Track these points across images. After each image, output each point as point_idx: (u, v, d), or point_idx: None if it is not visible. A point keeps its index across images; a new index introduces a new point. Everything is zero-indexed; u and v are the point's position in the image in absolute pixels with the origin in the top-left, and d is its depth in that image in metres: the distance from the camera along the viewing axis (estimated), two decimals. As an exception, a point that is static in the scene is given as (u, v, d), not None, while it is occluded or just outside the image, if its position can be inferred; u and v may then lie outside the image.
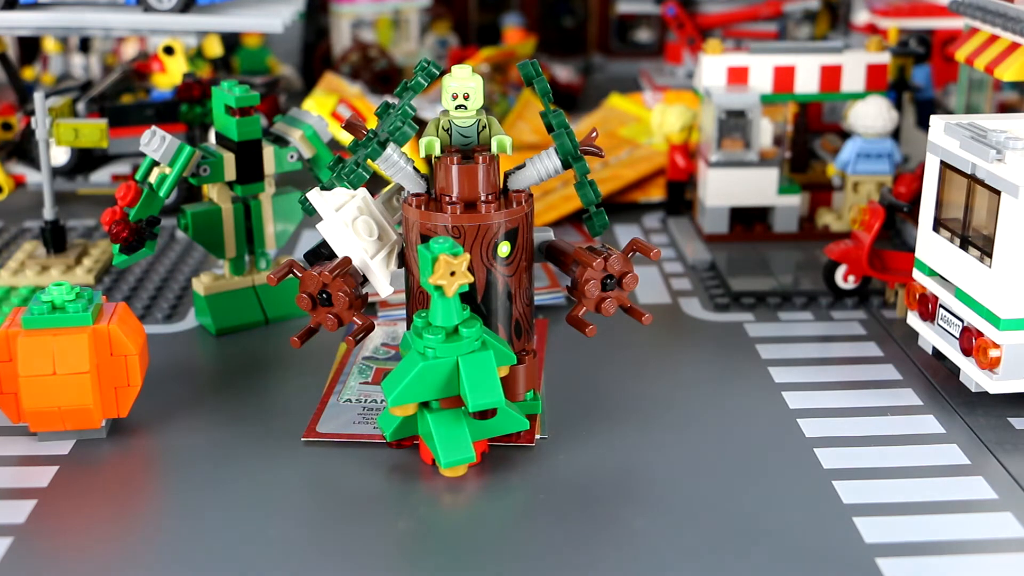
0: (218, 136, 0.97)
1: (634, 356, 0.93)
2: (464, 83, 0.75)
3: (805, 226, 1.21)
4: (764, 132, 1.22)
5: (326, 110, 1.40)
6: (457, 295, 0.70)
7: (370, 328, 0.76)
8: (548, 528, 0.69)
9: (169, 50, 1.30)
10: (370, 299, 0.83)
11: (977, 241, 0.81)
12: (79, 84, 1.34)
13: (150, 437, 0.81)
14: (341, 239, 0.76)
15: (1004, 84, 1.33)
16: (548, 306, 1.03)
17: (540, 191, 1.26)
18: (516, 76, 1.73)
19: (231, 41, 1.88)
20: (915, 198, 0.98)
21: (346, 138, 1.28)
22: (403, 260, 0.78)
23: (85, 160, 1.32)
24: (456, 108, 0.75)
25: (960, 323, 0.84)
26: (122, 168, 1.34)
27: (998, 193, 0.78)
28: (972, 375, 0.83)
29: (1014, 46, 1.00)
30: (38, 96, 1.03)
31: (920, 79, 1.41)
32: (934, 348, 0.89)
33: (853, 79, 1.19)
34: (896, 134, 1.27)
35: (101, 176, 1.34)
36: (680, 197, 1.28)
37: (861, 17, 1.67)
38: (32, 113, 1.16)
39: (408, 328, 0.77)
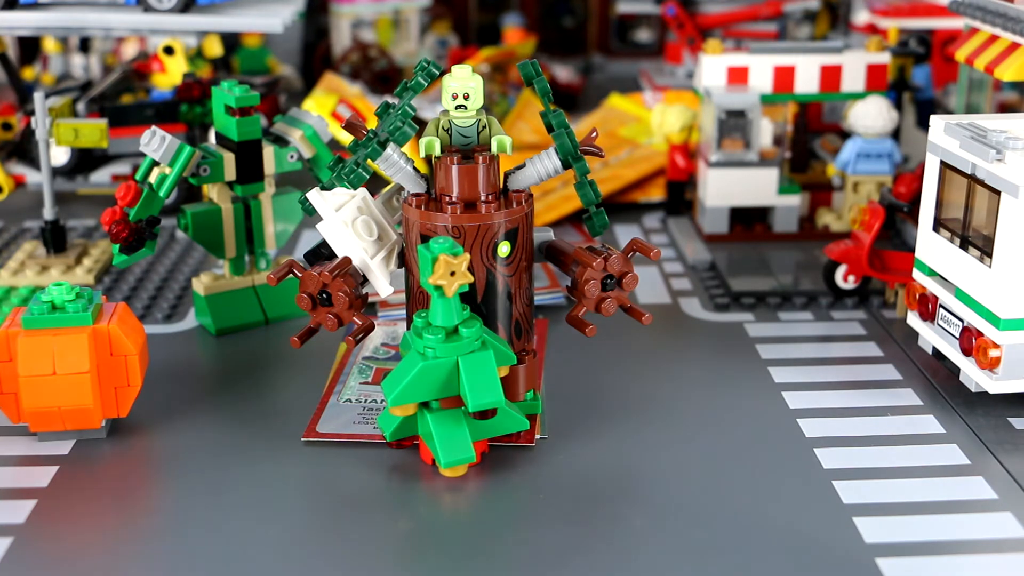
0: (218, 136, 0.97)
1: (634, 356, 0.93)
2: (464, 83, 0.75)
3: (805, 226, 1.21)
4: (764, 132, 1.22)
5: (326, 110, 1.40)
6: (457, 295, 0.70)
7: (370, 328, 0.76)
8: (548, 528, 0.69)
9: (169, 50, 1.30)
10: (370, 299, 0.83)
11: (977, 241, 0.81)
12: (79, 84, 1.34)
13: (150, 437, 0.81)
14: (341, 239, 0.76)
15: (1004, 84, 1.33)
16: (548, 306, 1.03)
17: (540, 191, 1.26)
18: (516, 76, 1.73)
19: (231, 41, 1.88)
20: (915, 198, 0.98)
21: (346, 138, 1.28)
22: (403, 260, 0.78)
23: (85, 160, 1.32)
24: (456, 108, 0.75)
25: (960, 323, 0.84)
26: (122, 168, 1.34)
27: (998, 193, 0.78)
28: (972, 375, 0.83)
29: (1014, 46, 1.00)
30: (38, 96, 1.03)
31: (920, 79, 1.41)
32: (934, 348, 0.89)
33: (853, 79, 1.19)
34: (896, 134, 1.27)
35: (101, 176, 1.34)
36: (680, 197, 1.28)
37: (861, 17, 1.67)
38: (32, 113, 1.16)
39: (408, 328, 0.77)
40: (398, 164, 0.76)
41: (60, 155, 1.30)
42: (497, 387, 0.71)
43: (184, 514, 0.71)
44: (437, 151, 0.75)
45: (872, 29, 1.57)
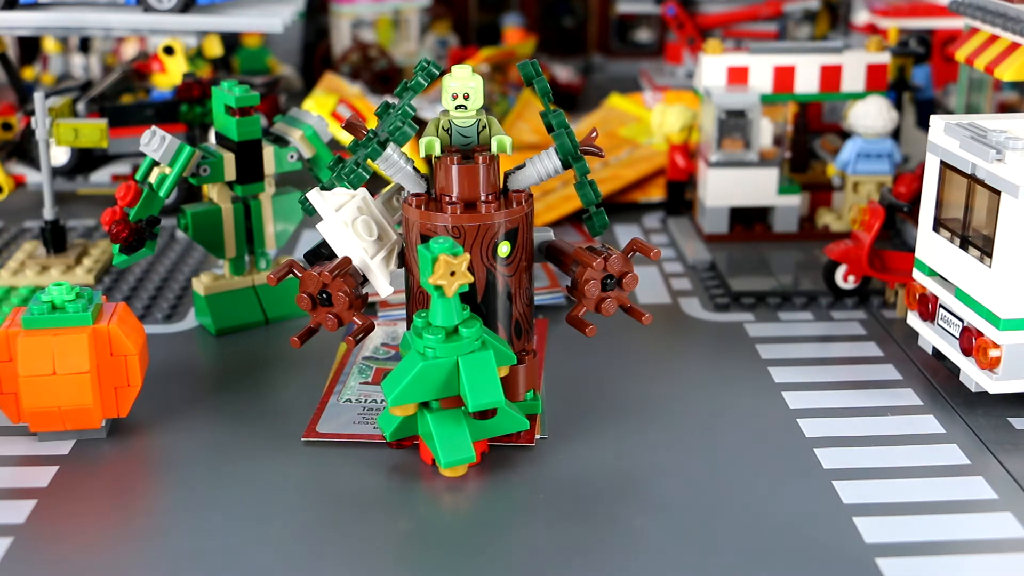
0: (218, 136, 0.97)
1: (634, 356, 0.93)
2: (464, 83, 0.75)
3: (805, 226, 1.21)
4: (764, 132, 1.22)
5: (326, 110, 1.40)
6: (457, 295, 0.70)
7: (370, 328, 0.76)
8: (548, 528, 0.69)
9: (169, 50, 1.30)
10: (370, 299, 0.83)
11: (977, 241, 0.81)
12: (79, 84, 1.34)
13: (150, 437, 0.81)
14: (341, 239, 0.76)
15: (1004, 84, 1.33)
16: (548, 306, 1.03)
17: (540, 191, 1.26)
18: (516, 76, 1.73)
19: (231, 41, 1.88)
20: (915, 198, 0.98)
21: (346, 138, 1.28)
22: (403, 260, 0.78)
23: (85, 160, 1.32)
24: (456, 108, 0.75)
25: (960, 323, 0.84)
26: (122, 168, 1.34)
27: (998, 193, 0.78)
28: (972, 375, 0.83)
29: (1014, 46, 1.00)
30: (38, 96, 1.03)
31: (920, 79, 1.41)
32: (934, 348, 0.89)
33: (853, 79, 1.19)
34: (896, 134, 1.27)
35: (101, 176, 1.34)
36: (680, 197, 1.28)
37: (861, 17, 1.67)
38: (32, 113, 1.15)
39: (408, 328, 0.77)
40: (398, 164, 0.76)
41: (60, 155, 1.30)
42: (497, 387, 0.71)
43: (184, 514, 0.71)
44: (437, 151, 0.75)
45: (872, 29, 1.57)
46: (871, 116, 1.15)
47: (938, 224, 0.86)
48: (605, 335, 0.94)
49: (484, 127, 0.76)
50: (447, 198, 0.75)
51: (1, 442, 0.80)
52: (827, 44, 1.21)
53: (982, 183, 0.79)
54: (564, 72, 1.93)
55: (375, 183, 0.91)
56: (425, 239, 0.74)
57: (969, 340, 0.82)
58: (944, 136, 0.84)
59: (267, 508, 0.72)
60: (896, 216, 1.02)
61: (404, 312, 0.82)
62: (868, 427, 0.82)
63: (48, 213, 1.07)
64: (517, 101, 1.63)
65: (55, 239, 1.08)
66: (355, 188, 0.78)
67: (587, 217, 0.80)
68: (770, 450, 0.78)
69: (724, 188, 1.18)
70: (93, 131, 1.05)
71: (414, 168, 0.77)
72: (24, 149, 1.25)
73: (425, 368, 0.71)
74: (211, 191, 0.96)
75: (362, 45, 1.87)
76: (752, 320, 1.01)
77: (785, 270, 1.11)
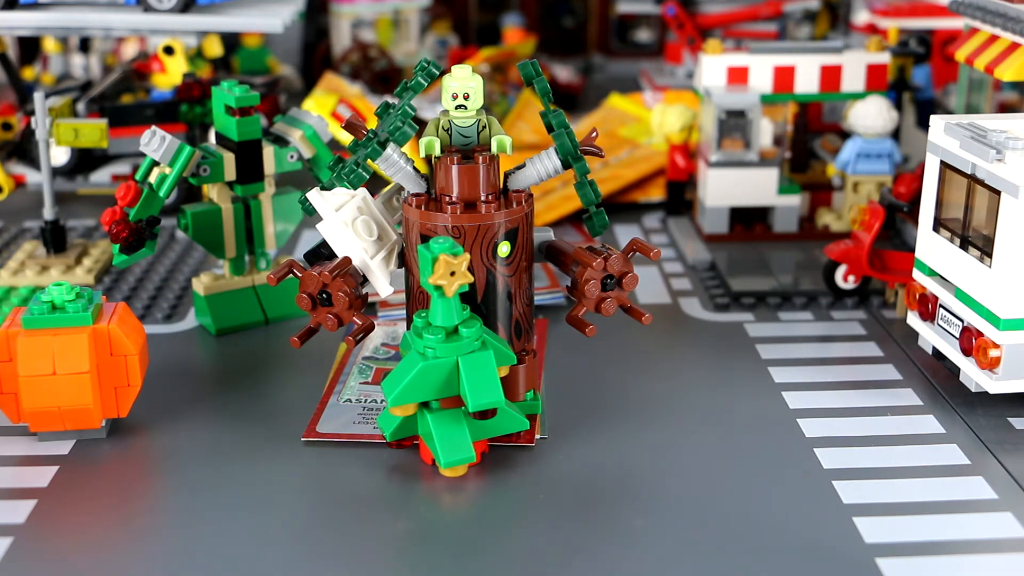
0: (218, 136, 0.97)
1: (634, 356, 0.93)
2: (464, 83, 0.75)
3: (805, 226, 1.21)
4: (764, 132, 1.22)
5: (326, 110, 1.40)
6: (457, 295, 0.70)
7: (370, 328, 0.76)
8: (548, 528, 0.69)
9: (169, 50, 1.30)
10: (370, 299, 0.83)
11: (977, 241, 0.81)
12: (79, 84, 1.34)
13: (150, 437, 0.81)
14: (341, 239, 0.76)
15: (1004, 84, 1.33)
16: (548, 306, 1.03)
17: (540, 191, 1.26)
18: (516, 76, 1.73)
19: (231, 41, 1.88)
20: (915, 198, 0.98)
21: (346, 138, 1.28)
22: (403, 260, 0.78)
23: (85, 160, 1.32)
24: (456, 108, 0.75)
25: (960, 323, 0.84)
26: (122, 168, 1.34)
27: (998, 193, 0.78)
28: (972, 375, 0.83)
29: (1014, 46, 1.00)
30: (38, 96, 1.03)
31: (920, 79, 1.41)
32: (934, 348, 0.89)
33: (853, 79, 1.19)
34: (896, 134, 1.27)
35: (101, 176, 1.34)
36: (680, 197, 1.28)
37: (861, 17, 1.67)
38: (32, 113, 1.16)
39: (408, 328, 0.77)
40: (398, 164, 0.76)
41: (60, 155, 1.30)
42: (497, 387, 0.71)
43: (184, 514, 0.71)
44: (437, 151, 0.75)
45: (872, 29, 1.57)
46: (871, 116, 1.15)
47: (938, 224, 0.86)
48: (605, 335, 0.94)
49: (484, 127, 0.76)
50: (447, 198, 0.75)
51: (1, 442, 0.80)
52: (827, 44, 1.21)
53: (982, 183, 0.79)
54: (564, 72, 1.93)
55: (375, 183, 0.91)
56: (425, 239, 0.74)
57: (969, 340, 0.82)
58: (944, 136, 0.84)
59: (267, 508, 0.72)
60: (896, 216, 1.02)
61: (404, 312, 0.82)
62: (868, 427, 0.82)
63: (48, 213, 1.07)
64: (517, 101, 1.63)
65: (55, 239, 1.08)
66: (355, 188, 0.78)
67: (587, 217, 0.80)
68: (770, 450, 0.78)
69: (724, 188, 1.18)
70: (93, 131, 1.05)
71: (414, 168, 0.77)
72: (24, 149, 1.25)
73: (425, 368, 0.71)
74: (211, 191, 0.96)
75: (362, 45, 1.87)
76: (752, 320, 1.01)
77: (785, 270, 1.11)
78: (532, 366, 0.79)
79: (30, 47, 2.00)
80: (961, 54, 1.07)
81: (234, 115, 0.94)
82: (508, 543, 0.68)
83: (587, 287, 0.75)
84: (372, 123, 0.81)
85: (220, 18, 1.22)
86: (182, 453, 0.78)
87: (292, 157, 0.98)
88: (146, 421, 0.82)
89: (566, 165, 0.77)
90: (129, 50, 1.77)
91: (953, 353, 0.85)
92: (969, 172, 0.81)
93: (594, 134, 0.78)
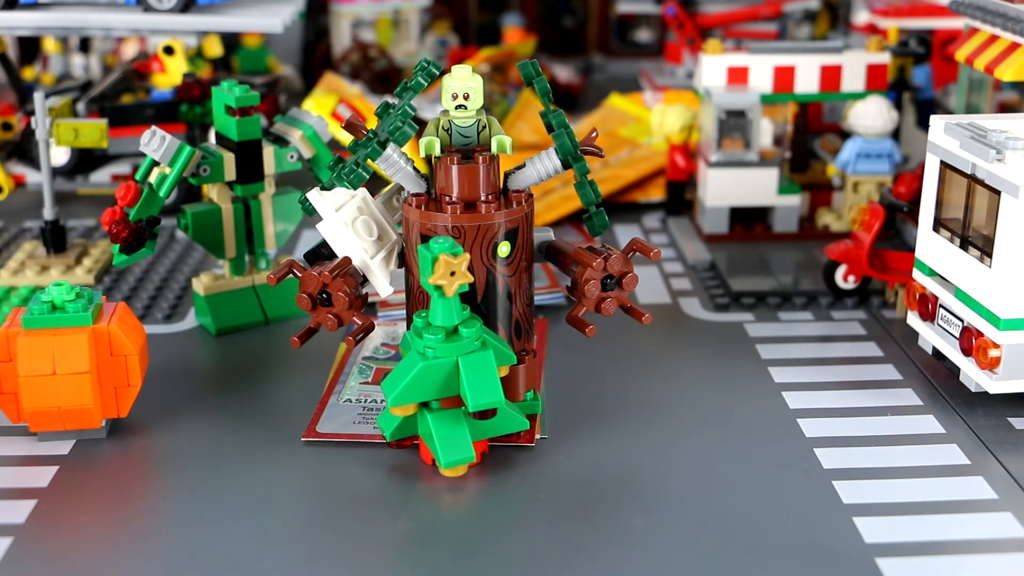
0: (218, 136, 0.97)
1: (634, 356, 0.93)
2: (464, 83, 0.75)
3: (805, 226, 1.21)
4: (764, 132, 1.22)
5: (326, 110, 1.40)
6: (457, 295, 0.70)
7: (370, 328, 0.76)
8: (548, 528, 0.69)
9: (169, 50, 1.30)
10: (370, 299, 0.83)
11: (977, 241, 0.81)
12: (79, 84, 1.34)
13: (150, 437, 0.81)
14: (341, 239, 0.76)
15: (1004, 84, 1.33)
16: (548, 306, 1.03)
17: (540, 191, 1.26)
18: (516, 76, 1.73)
19: (231, 41, 1.88)
20: (915, 198, 0.98)
21: (346, 138, 1.28)
22: (403, 260, 0.78)
23: (85, 160, 1.32)
24: (456, 108, 0.75)
25: (960, 323, 0.84)
26: (122, 168, 1.34)
27: (998, 193, 0.78)
28: (972, 375, 0.83)
29: (1014, 46, 1.00)
30: (38, 96, 1.03)
31: (920, 79, 1.41)
32: (934, 348, 0.89)
33: (853, 79, 1.19)
34: (896, 134, 1.27)
35: (101, 176, 1.34)
36: (680, 197, 1.28)
37: (861, 17, 1.67)
38: (32, 113, 1.16)
39: (408, 328, 0.77)
40: (398, 164, 0.76)
41: (60, 155, 1.30)
42: (497, 387, 0.71)
43: (184, 514, 0.71)
44: (437, 151, 0.75)
45: (872, 29, 1.57)
46: (871, 116, 1.15)
47: (938, 224, 0.86)
48: (605, 335, 0.94)
49: (484, 127, 0.76)
50: (447, 198, 0.75)
51: (1, 442, 0.80)
52: (827, 44, 1.21)
53: (982, 183, 0.79)
54: (564, 72, 1.93)
55: (375, 183, 0.91)
56: (425, 239, 0.74)
57: (969, 340, 0.82)
58: (944, 136, 0.84)
59: (267, 508, 0.72)
60: (896, 216, 1.02)
61: (404, 312, 0.82)
62: (868, 427, 0.82)
63: (48, 213, 1.07)
64: (517, 101, 1.63)
65: (55, 239, 1.08)
66: (355, 188, 0.78)
67: (587, 217, 0.80)
68: (770, 450, 0.78)
69: (724, 188, 1.18)
70: (93, 131, 1.05)
71: (414, 168, 0.77)
72: (24, 149, 1.25)
73: (425, 368, 0.71)
74: (211, 191, 0.96)
75: (362, 45, 1.87)
76: (752, 320, 1.01)
77: (785, 270, 1.11)
78: (532, 366, 0.79)
79: (30, 47, 2.00)
80: (961, 54, 1.07)
81: (234, 115, 0.94)
82: (508, 543, 0.68)
83: (587, 287, 0.75)
84: (372, 123, 0.81)
85: (220, 18, 1.22)
86: (182, 453, 0.78)
87: (292, 157, 0.98)
88: (146, 421, 0.82)
89: (566, 165, 0.77)
90: (129, 50, 1.77)
91: (953, 353, 0.85)
92: (969, 172, 0.81)
93: (594, 134, 0.78)
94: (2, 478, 0.75)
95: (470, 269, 0.70)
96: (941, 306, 0.87)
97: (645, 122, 1.48)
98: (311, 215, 0.81)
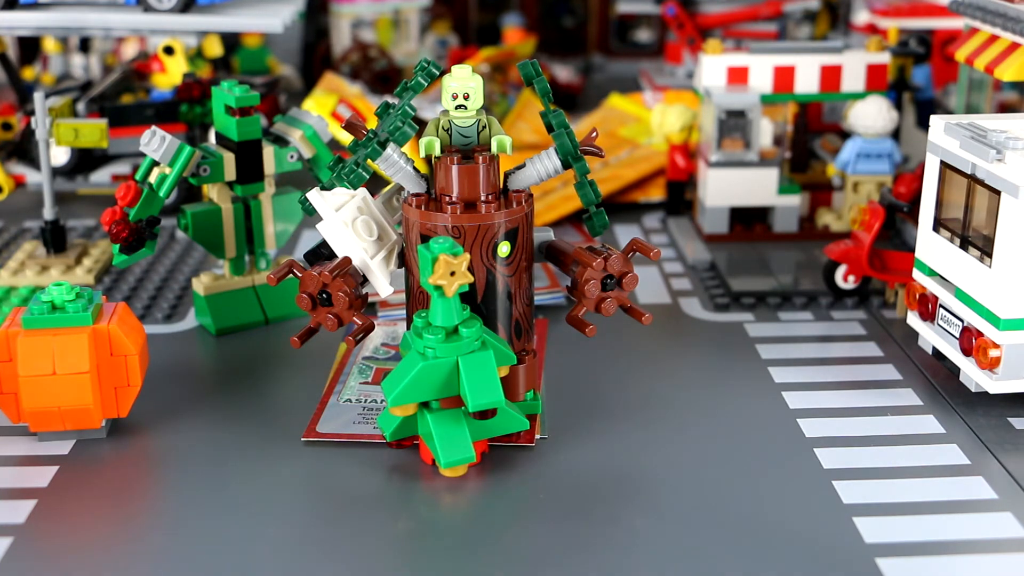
0: (218, 136, 0.97)
1: (634, 356, 0.93)
2: (464, 83, 0.75)
3: (805, 226, 1.21)
4: (764, 132, 1.22)
5: (326, 110, 1.40)
6: (457, 295, 0.70)
7: (370, 328, 0.76)
8: (548, 528, 0.69)
9: (169, 50, 1.30)
10: (370, 299, 0.83)
11: (977, 241, 0.81)
12: (79, 84, 1.34)
13: (150, 437, 0.81)
14: (341, 239, 0.76)
15: (1004, 84, 1.33)
16: (548, 306, 1.03)
17: (540, 191, 1.26)
18: (516, 76, 1.73)
19: (231, 41, 1.88)
20: (915, 198, 0.98)
21: (346, 138, 1.28)
22: (403, 260, 0.78)
23: (85, 160, 1.32)
24: (456, 108, 0.75)
25: (960, 323, 0.84)
26: (122, 168, 1.34)
27: (998, 193, 0.78)
28: (972, 375, 0.83)
29: (1014, 46, 1.00)
30: (38, 96, 1.03)
31: (920, 79, 1.41)
32: (934, 348, 0.89)
33: (853, 79, 1.19)
34: (896, 134, 1.27)
35: (101, 176, 1.34)
36: (680, 197, 1.28)
37: (861, 17, 1.67)
38: (32, 113, 1.16)
39: (408, 328, 0.77)
40: (398, 164, 0.76)
41: (60, 155, 1.30)
42: (497, 387, 0.71)
43: (184, 514, 0.71)
44: (437, 151, 0.75)
45: (872, 29, 1.57)
46: (871, 116, 1.15)
47: (938, 224, 0.86)
48: (605, 335, 0.94)
49: (484, 127, 0.76)
50: (447, 198, 0.75)
51: (1, 442, 0.80)
52: (827, 44, 1.21)
53: (982, 183, 0.79)
54: (564, 72, 1.93)
55: (375, 183, 0.91)
56: (425, 239, 0.74)
57: (969, 340, 0.82)
58: (944, 136, 0.84)
59: (267, 508, 0.72)
60: (896, 216, 1.02)
61: (404, 312, 0.82)
62: (868, 427, 0.82)
63: (48, 213, 1.07)
64: (517, 101, 1.63)
65: (55, 239, 1.08)
66: (355, 188, 0.78)
67: (587, 217, 0.80)
68: (770, 450, 0.78)
69: (724, 188, 1.18)
70: (93, 131, 1.05)
71: (414, 168, 0.77)
72: (24, 149, 1.25)
73: (425, 368, 0.71)
74: (211, 191, 0.96)
75: (362, 45, 1.87)
76: (752, 320, 1.01)
77: (785, 270, 1.11)
78: (532, 366, 0.79)
79: (30, 47, 2.00)
80: (961, 54, 1.07)
81: (234, 115, 0.94)
82: (508, 543, 0.68)
83: (587, 287, 0.75)
84: (372, 123, 0.81)
85: (220, 18, 1.22)
86: (182, 453, 0.78)
87: (292, 157, 0.98)
88: (146, 421, 0.82)
89: (566, 165, 0.77)
90: (129, 50, 1.77)
91: (953, 353, 0.85)
92: (969, 172, 0.81)
93: (594, 134, 0.78)
94: (2, 478, 0.75)
95: (470, 269, 0.70)
96: (941, 306, 0.87)
97: (645, 122, 1.48)
98: (311, 215, 0.81)
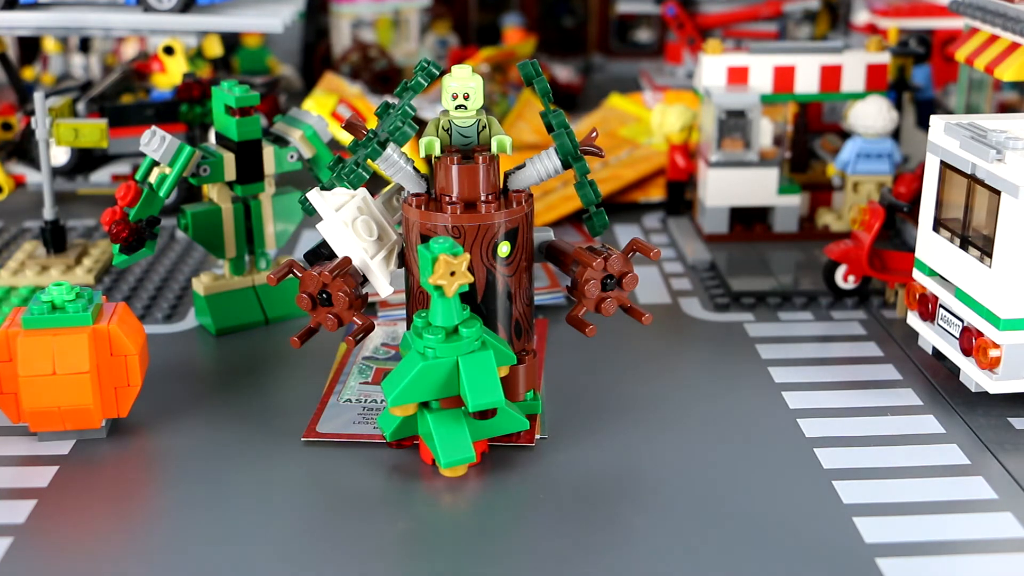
0: (218, 136, 0.97)
1: (634, 356, 0.93)
2: (464, 83, 0.75)
3: (805, 226, 1.21)
4: (764, 132, 1.22)
5: (326, 110, 1.40)
6: (457, 295, 0.70)
7: (370, 328, 0.76)
8: (548, 528, 0.69)
9: (169, 50, 1.30)
10: (370, 299, 0.83)
11: (977, 241, 0.81)
12: (79, 84, 1.34)
13: (150, 437, 0.81)
14: (341, 239, 0.76)
15: (1004, 84, 1.33)
16: (548, 306, 1.03)
17: (540, 191, 1.26)
18: (516, 76, 1.73)
19: (231, 41, 1.88)
20: (915, 198, 0.98)
21: (346, 138, 1.28)
22: (403, 260, 0.78)
23: (85, 160, 1.32)
24: (456, 108, 0.75)
25: (960, 323, 0.84)
26: (122, 168, 1.34)
27: (998, 193, 0.78)
28: (972, 375, 0.83)
29: (1014, 46, 1.00)
30: (38, 96, 1.03)
31: (920, 79, 1.41)
32: (934, 348, 0.89)
33: (853, 79, 1.19)
34: (896, 134, 1.27)
35: (101, 176, 1.34)
36: (680, 197, 1.28)
37: (861, 17, 1.67)
38: (32, 113, 1.16)
39: (408, 328, 0.77)
40: (398, 164, 0.76)
41: (60, 155, 1.30)
42: (497, 387, 0.71)
43: (184, 514, 0.71)
44: (437, 151, 0.75)
45: (872, 29, 1.57)
46: (871, 116, 1.15)
47: (938, 224, 0.86)
48: (605, 335, 0.94)
49: (484, 127, 0.76)
50: (447, 198, 0.75)
51: (1, 442, 0.80)
52: (827, 44, 1.21)
53: (982, 183, 0.79)
54: (564, 72, 1.93)
55: (375, 183, 0.91)
56: (425, 239, 0.74)
57: (969, 340, 0.82)
58: (944, 136, 0.84)
59: (267, 508, 0.72)
60: (896, 216, 1.02)
61: (404, 312, 0.82)
62: (868, 427, 0.82)
63: (48, 213, 1.07)
64: (517, 101, 1.63)
65: (55, 239, 1.08)
66: (355, 188, 0.78)
67: (587, 217, 0.80)
68: (770, 450, 0.78)
69: (724, 188, 1.18)
70: (93, 131, 1.05)
71: (414, 168, 0.77)
72: (24, 149, 1.25)
73: (425, 368, 0.71)
74: (211, 191, 0.96)
75: (362, 45, 1.87)
76: (752, 320, 1.01)
77: (785, 270, 1.11)
78: (532, 366, 0.79)
79: (30, 47, 2.00)
80: (961, 54, 1.07)
81: (234, 115, 0.94)
82: (508, 543, 0.68)
83: (587, 287, 0.75)
84: (372, 123, 0.81)
85: (220, 18, 1.22)
86: (182, 453, 0.78)
87: (292, 157, 0.98)
88: (146, 421, 0.82)
89: (566, 165, 0.77)
90: (129, 50, 1.77)
91: (953, 353, 0.85)
92: (969, 172, 0.81)
93: (594, 134, 0.78)
94: (2, 478, 0.75)
95: (470, 269, 0.70)
96: (941, 306, 0.87)
97: (645, 122, 1.48)
98: (311, 215, 0.81)
